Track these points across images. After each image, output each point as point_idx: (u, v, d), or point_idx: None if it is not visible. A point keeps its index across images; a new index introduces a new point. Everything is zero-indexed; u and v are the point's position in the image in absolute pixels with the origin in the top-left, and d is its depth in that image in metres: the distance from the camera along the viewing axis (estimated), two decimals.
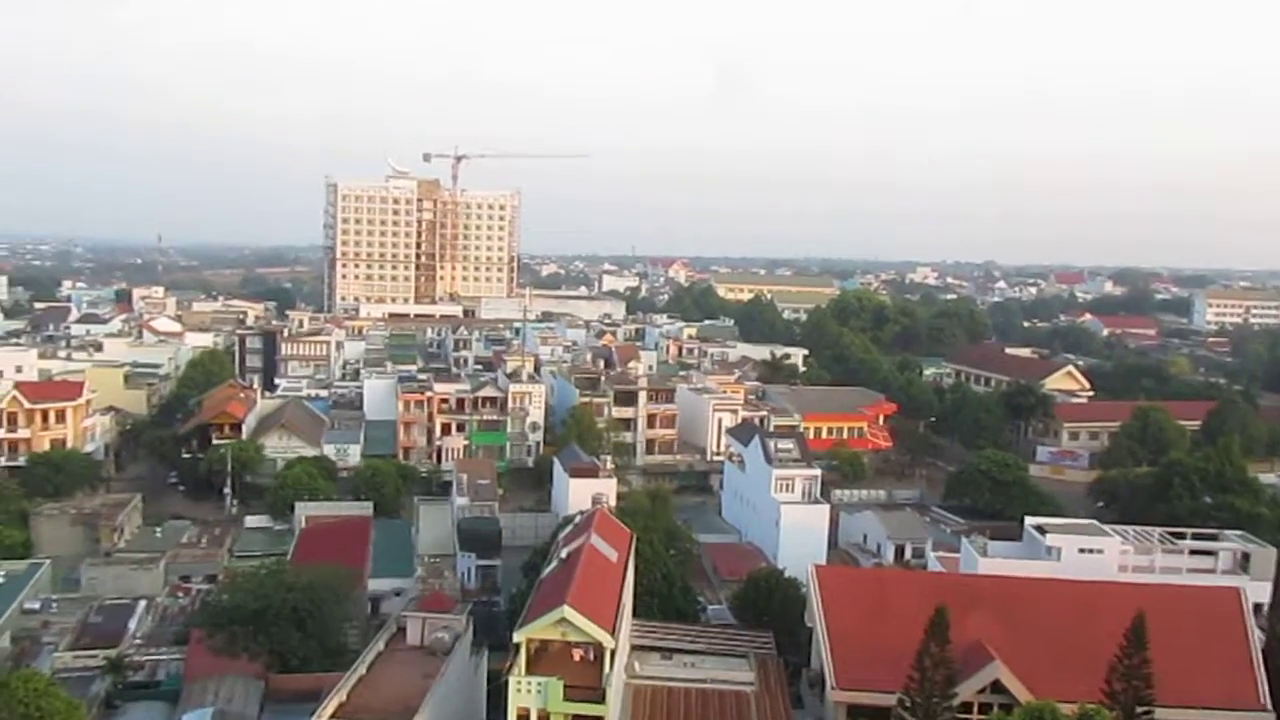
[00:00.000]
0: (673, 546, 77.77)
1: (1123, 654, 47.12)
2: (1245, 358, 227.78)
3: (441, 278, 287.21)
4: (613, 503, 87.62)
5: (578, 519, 66.65)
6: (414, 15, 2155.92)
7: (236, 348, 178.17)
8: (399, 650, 52.91)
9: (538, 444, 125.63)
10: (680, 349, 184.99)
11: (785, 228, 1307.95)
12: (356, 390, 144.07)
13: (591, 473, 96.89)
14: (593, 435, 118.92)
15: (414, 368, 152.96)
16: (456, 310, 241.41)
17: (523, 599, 58.05)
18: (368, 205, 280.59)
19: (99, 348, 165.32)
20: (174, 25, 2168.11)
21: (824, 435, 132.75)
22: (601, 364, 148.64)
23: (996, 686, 51.01)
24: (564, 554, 53.26)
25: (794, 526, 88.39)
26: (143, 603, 75.88)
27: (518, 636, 44.98)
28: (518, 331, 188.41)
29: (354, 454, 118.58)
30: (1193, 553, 74.59)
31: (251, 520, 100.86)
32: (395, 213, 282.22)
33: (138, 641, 69.46)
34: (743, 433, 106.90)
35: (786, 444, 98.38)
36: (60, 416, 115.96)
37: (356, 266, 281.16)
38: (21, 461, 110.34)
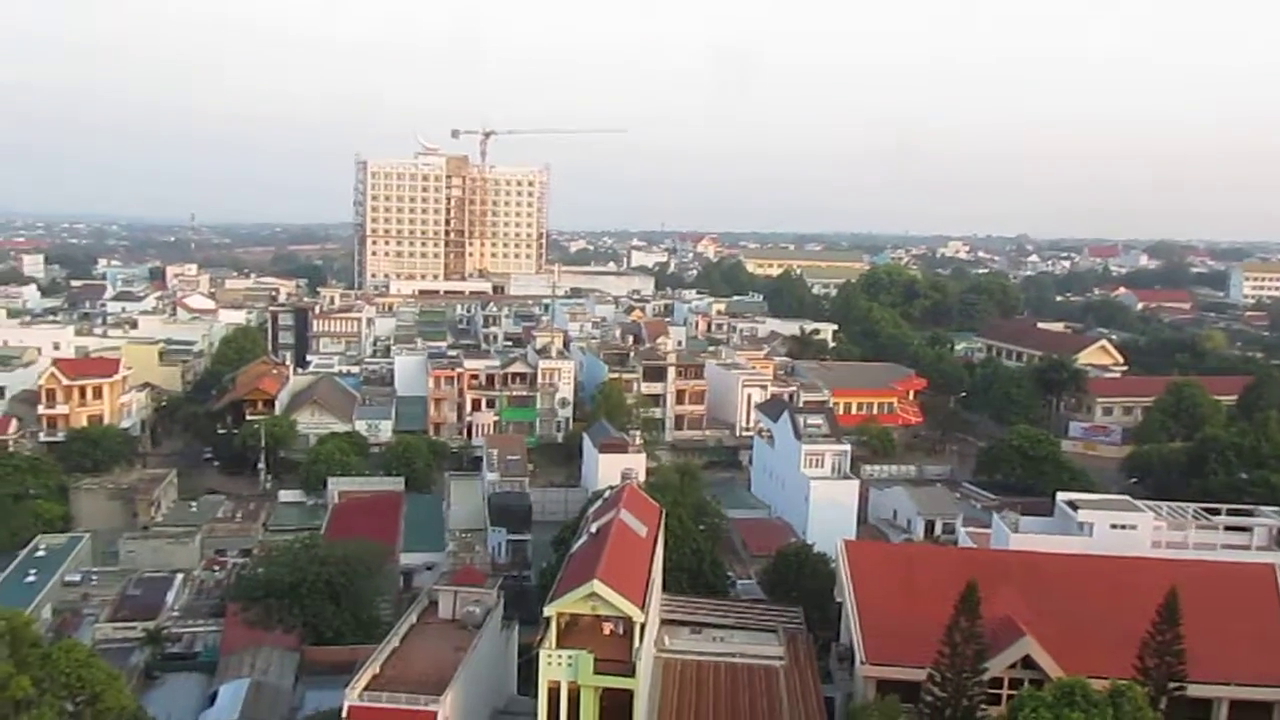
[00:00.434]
0: (702, 522, 77.90)
1: (1155, 630, 46.79)
2: None
3: (471, 254, 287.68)
4: (642, 478, 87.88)
5: (607, 494, 66.85)
6: None
7: (269, 325, 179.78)
8: (431, 624, 53.32)
9: (567, 420, 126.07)
10: (709, 324, 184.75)
11: (815, 202, 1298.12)
12: (387, 366, 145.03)
13: (621, 448, 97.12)
14: (622, 411, 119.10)
15: (444, 344, 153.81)
16: (486, 287, 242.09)
17: (553, 574, 58.43)
18: (397, 182, 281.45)
19: (134, 325, 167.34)
20: (209, 4, 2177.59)
21: (854, 411, 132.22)
22: (630, 340, 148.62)
23: (1027, 662, 50.80)
24: (594, 529, 53.42)
25: (823, 502, 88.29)
26: (180, 576, 76.90)
27: (548, 610, 45.22)
28: (547, 308, 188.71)
29: (385, 430, 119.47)
30: (1227, 529, 73.60)
31: (285, 495, 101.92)
32: (424, 190, 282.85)
33: (175, 614, 70.46)
34: (772, 408, 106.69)
35: (816, 419, 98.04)
36: (97, 393, 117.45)
37: (386, 243, 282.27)
38: (60, 437, 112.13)
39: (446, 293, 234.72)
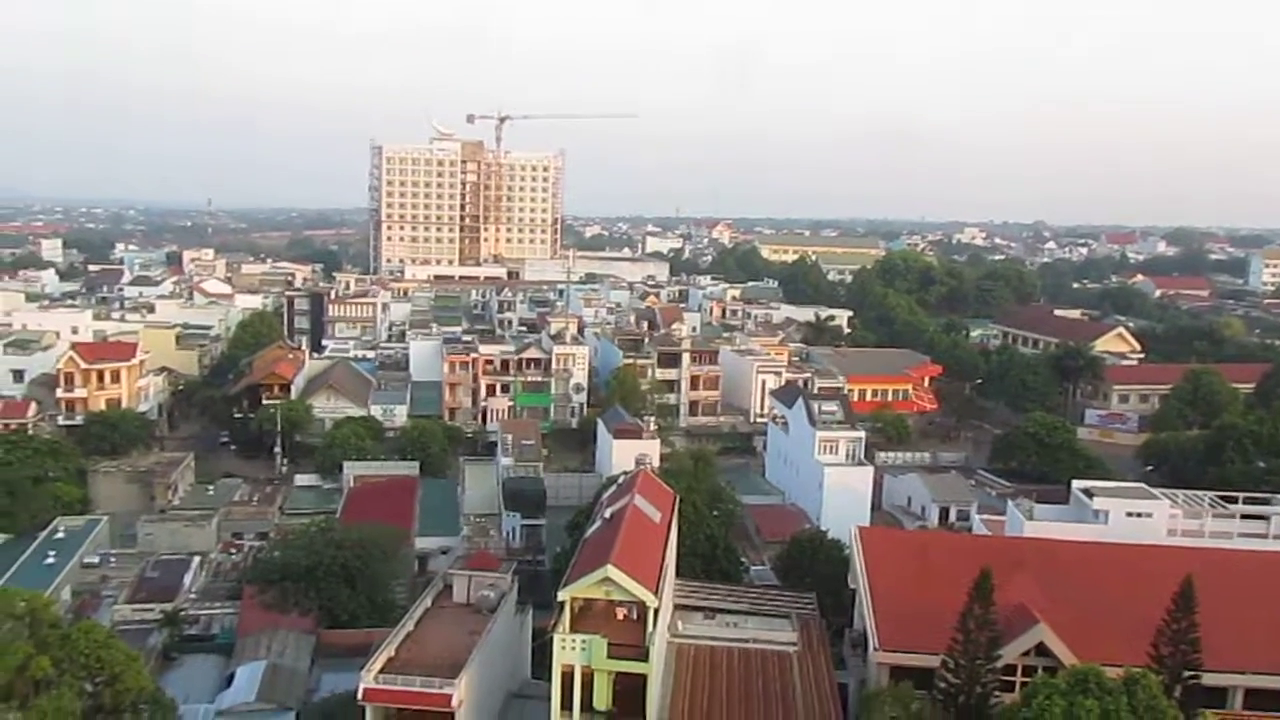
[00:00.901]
0: (716, 507, 77.95)
1: (1170, 618, 46.56)
2: None
3: (485, 239, 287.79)
4: (656, 464, 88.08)
5: (621, 479, 66.99)
6: None
7: (285, 309, 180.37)
8: (445, 607, 53.59)
9: (581, 405, 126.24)
10: (724, 310, 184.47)
11: (830, 188, 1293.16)
12: (402, 351, 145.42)
13: (635, 434, 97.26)
14: (636, 397, 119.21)
15: (459, 329, 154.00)
16: (500, 272, 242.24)
17: (567, 558, 58.57)
18: (412, 168, 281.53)
19: (151, 309, 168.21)
20: None
21: (868, 397, 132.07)
22: (645, 326, 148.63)
23: (1041, 649, 50.66)
24: (608, 514, 53.52)
25: (837, 488, 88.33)
26: (197, 558, 77.54)
27: (562, 595, 45.36)
28: (561, 293, 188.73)
29: (400, 414, 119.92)
30: (1244, 517, 73.31)
31: (301, 479, 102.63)
32: (439, 175, 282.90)
33: (192, 596, 71.12)
34: (786, 395, 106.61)
35: (830, 406, 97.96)
36: (115, 376, 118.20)
37: (401, 229, 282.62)
38: (79, 420, 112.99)
39: (461, 278, 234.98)
